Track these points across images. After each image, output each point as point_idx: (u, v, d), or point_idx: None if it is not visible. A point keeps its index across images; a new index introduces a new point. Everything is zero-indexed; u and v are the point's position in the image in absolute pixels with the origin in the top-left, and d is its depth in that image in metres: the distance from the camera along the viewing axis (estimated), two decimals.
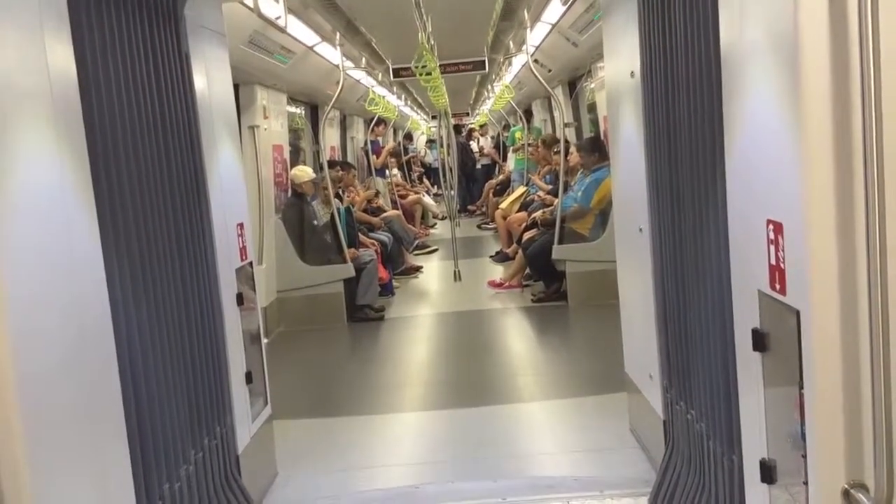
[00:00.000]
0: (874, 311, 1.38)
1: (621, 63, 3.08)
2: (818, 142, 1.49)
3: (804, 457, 1.66)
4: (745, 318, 1.91)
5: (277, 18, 4.14)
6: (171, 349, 2.42)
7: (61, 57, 1.92)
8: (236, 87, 5.51)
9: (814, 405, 1.57)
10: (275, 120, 6.28)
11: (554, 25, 5.90)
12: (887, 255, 1.37)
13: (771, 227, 1.69)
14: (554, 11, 5.48)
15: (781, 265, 1.66)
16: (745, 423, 2.03)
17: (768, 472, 1.85)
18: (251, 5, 3.78)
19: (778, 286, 1.69)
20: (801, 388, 1.62)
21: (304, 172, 6.38)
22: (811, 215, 1.51)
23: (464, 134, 15.82)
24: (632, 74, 2.90)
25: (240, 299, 3.03)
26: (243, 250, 3.17)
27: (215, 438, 2.73)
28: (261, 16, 3.91)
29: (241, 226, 3.16)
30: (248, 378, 3.06)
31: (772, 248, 1.69)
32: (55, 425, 1.73)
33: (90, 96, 2.03)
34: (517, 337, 5.79)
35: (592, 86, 7.77)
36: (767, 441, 1.87)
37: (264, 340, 3.48)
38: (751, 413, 1.97)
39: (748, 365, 1.94)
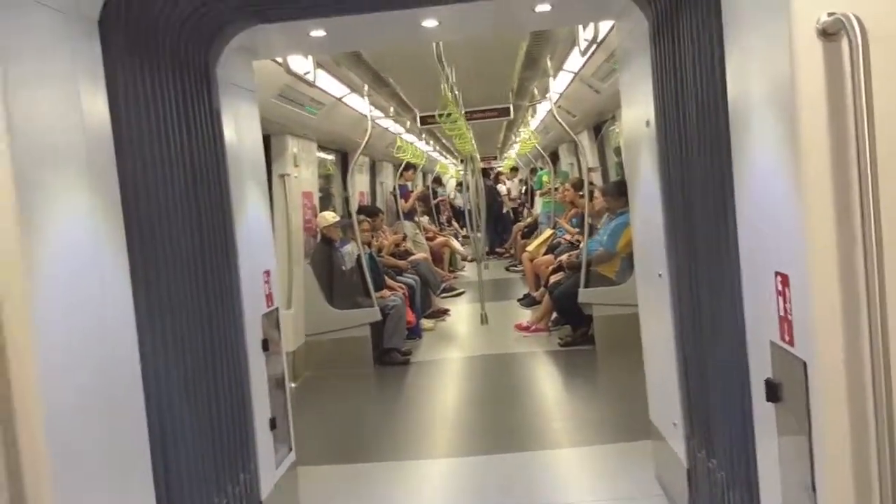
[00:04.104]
0: (877, 362, 1.39)
1: (637, 112, 3.14)
2: (818, 195, 1.52)
3: None
4: (760, 368, 1.92)
5: (306, 74, 4.31)
6: (197, 396, 2.47)
7: (97, 114, 2.01)
8: (268, 138, 5.67)
9: (822, 456, 1.57)
10: (305, 168, 6.43)
11: (576, 74, 5.99)
12: (887, 305, 1.39)
13: (779, 278, 1.71)
14: (575, 61, 5.58)
15: (789, 317, 1.67)
16: (762, 473, 2.01)
17: None
18: (281, 62, 3.94)
19: (787, 337, 1.70)
20: (811, 439, 1.62)
21: (326, 218, 6.48)
22: (814, 268, 1.53)
23: (491, 177, 15.98)
24: (647, 124, 2.95)
25: (265, 345, 3.09)
26: (269, 296, 3.24)
27: (239, 485, 2.75)
28: (290, 72, 4.07)
29: (267, 272, 3.24)
30: (273, 424, 3.10)
31: (780, 299, 1.71)
32: (85, 476, 1.78)
33: (124, 152, 2.11)
34: (544, 381, 5.76)
35: (618, 130, 7.83)
36: (783, 492, 1.85)
37: (291, 385, 3.53)
38: (767, 463, 1.95)
39: (764, 415, 1.93)
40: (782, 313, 1.71)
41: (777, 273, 1.72)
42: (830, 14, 1.48)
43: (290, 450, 3.36)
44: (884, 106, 1.42)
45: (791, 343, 1.67)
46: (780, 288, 1.71)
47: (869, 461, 1.50)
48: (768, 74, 1.69)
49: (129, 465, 2.01)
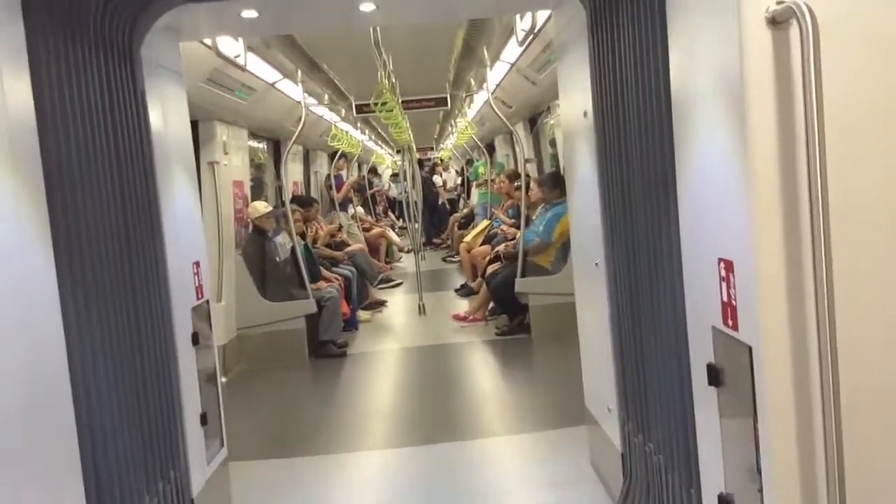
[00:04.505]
0: (823, 346, 1.41)
1: (575, 102, 3.15)
2: (765, 182, 1.54)
3: (760, 491, 1.67)
4: (700, 353, 1.94)
5: (237, 57, 4.16)
6: (126, 391, 2.37)
7: (19, 93, 1.90)
8: (196, 124, 5.47)
9: (768, 440, 1.59)
10: (235, 155, 6.24)
11: (513, 65, 6.00)
12: (834, 291, 1.41)
13: (722, 265, 1.73)
14: (512, 51, 5.58)
15: (733, 302, 1.69)
16: (703, 456, 2.04)
17: None
18: (210, 44, 3.79)
19: (730, 322, 1.72)
20: (756, 422, 1.64)
21: (257, 208, 6.29)
22: (760, 254, 1.55)
23: (426, 169, 15.95)
24: (585, 114, 2.96)
25: (195, 338, 2.97)
26: (200, 288, 3.12)
27: (169, 482, 2.66)
28: (220, 55, 3.92)
29: (197, 264, 3.12)
30: (204, 419, 3.00)
31: (723, 285, 1.73)
32: (12, 474, 1.68)
33: (47, 133, 2.01)
34: (481, 371, 5.78)
35: (552, 122, 7.91)
36: (725, 475, 1.88)
37: (223, 379, 3.41)
38: (709, 446, 1.98)
39: (704, 399, 1.96)
40: (725, 299, 1.72)
41: (721, 259, 1.73)
42: (780, 2, 1.49)
43: (223, 445, 3.26)
44: (833, 94, 1.44)
45: (735, 328, 1.69)
46: (723, 274, 1.72)
47: (814, 443, 1.53)
48: (715, 63, 1.69)
49: (57, 462, 1.92)
